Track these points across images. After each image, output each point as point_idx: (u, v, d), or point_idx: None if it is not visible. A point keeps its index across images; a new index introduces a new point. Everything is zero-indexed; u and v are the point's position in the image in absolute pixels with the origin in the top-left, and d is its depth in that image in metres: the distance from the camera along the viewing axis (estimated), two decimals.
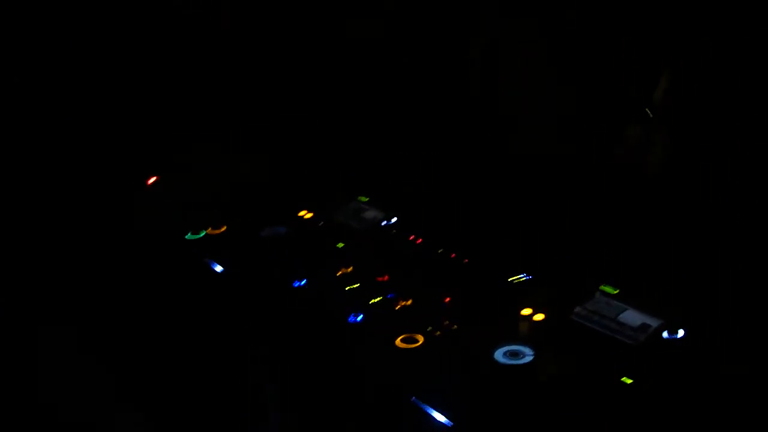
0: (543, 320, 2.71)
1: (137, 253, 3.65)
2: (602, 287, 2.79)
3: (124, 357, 3.56)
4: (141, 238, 3.68)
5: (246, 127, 4.19)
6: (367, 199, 3.60)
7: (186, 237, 3.50)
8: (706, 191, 3.03)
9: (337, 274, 3.08)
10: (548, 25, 3.35)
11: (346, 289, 2.98)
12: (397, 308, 2.85)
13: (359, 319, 2.79)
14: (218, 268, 3.26)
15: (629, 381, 2.39)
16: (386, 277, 3.01)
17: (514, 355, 2.54)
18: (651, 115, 3.08)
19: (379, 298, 2.89)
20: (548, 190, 3.28)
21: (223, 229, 3.54)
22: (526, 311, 2.75)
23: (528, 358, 2.53)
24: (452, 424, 2.37)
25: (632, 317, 2.66)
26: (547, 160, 3.28)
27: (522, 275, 2.96)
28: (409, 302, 2.86)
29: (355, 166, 3.89)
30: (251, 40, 4.28)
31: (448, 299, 2.86)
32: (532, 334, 2.65)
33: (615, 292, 2.76)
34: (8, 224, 3.97)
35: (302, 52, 4.23)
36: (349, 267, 3.11)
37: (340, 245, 3.31)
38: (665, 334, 2.57)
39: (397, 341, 2.65)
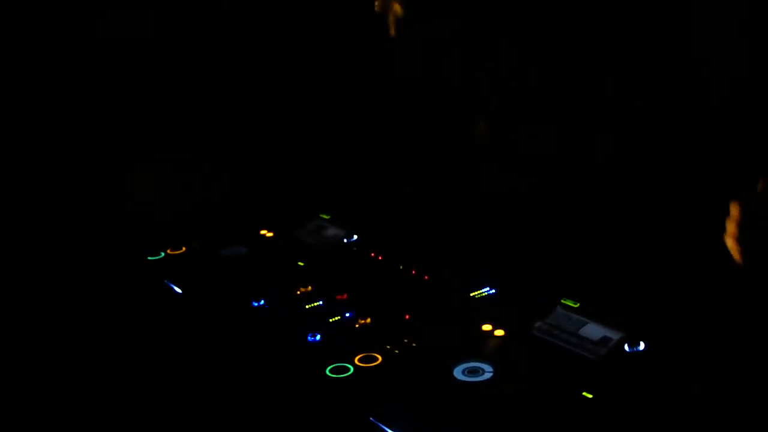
0: (503, 336, 2.68)
1: (97, 272, 3.61)
2: (563, 300, 2.76)
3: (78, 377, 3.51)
4: (101, 256, 3.64)
5: (209, 141, 4.16)
6: (328, 217, 3.57)
7: (148, 258, 3.46)
8: (668, 202, 3.01)
9: (297, 293, 3.04)
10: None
11: (306, 307, 2.94)
12: (356, 327, 2.81)
13: (318, 338, 2.74)
14: (177, 289, 3.21)
15: (590, 396, 2.36)
16: (345, 296, 2.98)
17: (474, 372, 2.51)
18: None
19: (337, 317, 2.85)
20: (509, 203, 3.26)
21: (183, 249, 3.49)
22: (487, 327, 2.72)
23: (487, 375, 2.49)
24: None
25: (593, 331, 2.64)
26: (505, 174, 3.26)
27: (484, 290, 2.93)
28: (368, 320, 2.82)
29: (318, 181, 3.87)
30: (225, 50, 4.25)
31: (408, 316, 2.83)
32: (492, 350, 2.62)
33: (576, 305, 2.74)
34: None
35: (270, 62, 4.21)
36: (308, 286, 3.07)
37: (301, 264, 3.28)
38: (626, 347, 2.54)
39: (356, 360, 2.61)
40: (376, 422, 2.36)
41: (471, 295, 2.91)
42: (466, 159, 3.34)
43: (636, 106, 3.11)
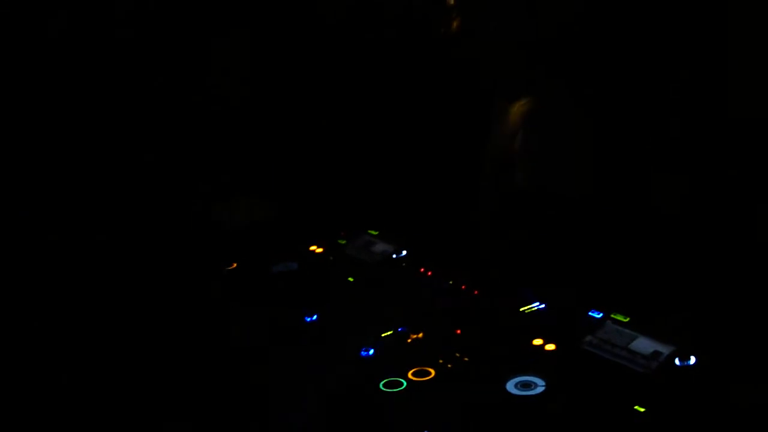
0: (554, 350, 2.71)
1: (152, 286, 3.67)
2: (613, 315, 2.79)
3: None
4: (156, 271, 3.70)
5: (253, 165, 4.23)
6: (377, 233, 3.61)
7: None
8: (719, 214, 3.04)
9: (349, 308, 3.09)
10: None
11: (358, 322, 2.99)
12: (408, 341, 2.85)
13: (371, 353, 2.79)
14: (233, 304, 3.27)
15: (642, 410, 2.39)
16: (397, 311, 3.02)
17: (526, 386, 2.54)
18: None
19: (390, 332, 2.90)
20: (558, 219, 3.29)
21: (234, 265, 3.55)
22: (537, 341, 2.75)
23: (540, 389, 2.52)
24: None
25: (643, 345, 2.66)
26: (557, 189, 3.29)
27: (534, 304, 2.96)
28: (421, 335, 2.86)
29: (366, 199, 3.92)
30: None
31: (459, 331, 2.87)
32: (544, 364, 2.65)
33: (626, 320, 2.76)
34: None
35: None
36: (360, 301, 3.12)
37: (351, 279, 3.32)
38: (677, 362, 2.56)
39: (409, 374, 2.65)
40: None
41: (521, 309, 2.94)
42: (520, 179, 3.37)
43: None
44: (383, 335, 2.89)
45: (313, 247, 3.62)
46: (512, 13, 3.31)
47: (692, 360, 2.56)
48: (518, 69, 3.38)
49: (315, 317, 3.06)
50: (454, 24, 3.40)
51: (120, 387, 3.41)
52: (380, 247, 3.53)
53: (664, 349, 2.62)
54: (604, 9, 3.44)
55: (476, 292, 3.08)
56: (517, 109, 3.39)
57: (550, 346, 2.72)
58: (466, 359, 2.71)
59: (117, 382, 3.43)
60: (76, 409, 3.30)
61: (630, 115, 3.40)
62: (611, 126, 3.42)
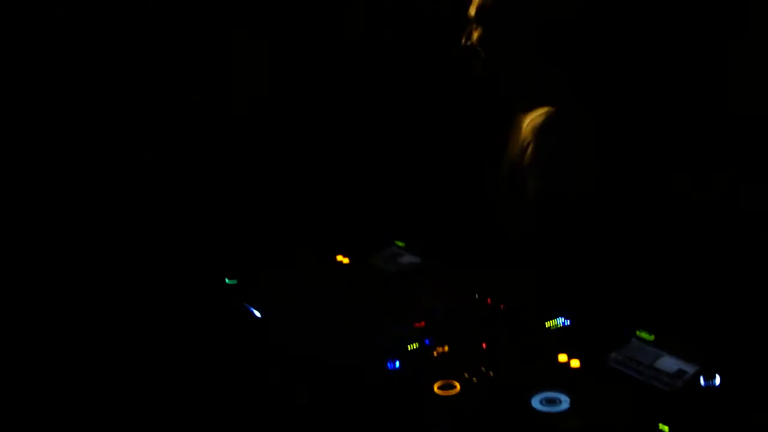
0: (579, 366, 2.72)
1: (175, 294, 3.70)
2: (638, 332, 2.79)
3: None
4: (180, 278, 3.73)
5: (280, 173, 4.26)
6: (403, 245, 3.63)
7: (226, 281, 3.54)
8: (745, 235, 3.04)
9: (375, 320, 3.11)
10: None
11: (384, 334, 3.01)
12: (434, 354, 2.87)
13: (397, 365, 2.81)
14: (257, 313, 3.30)
15: (666, 428, 2.40)
16: (423, 323, 3.04)
17: (551, 402, 2.55)
18: None
19: (416, 345, 2.92)
20: (584, 234, 3.30)
21: (260, 274, 3.58)
22: (562, 357, 2.76)
23: (565, 405, 2.54)
24: None
25: (668, 363, 2.67)
26: (583, 204, 3.30)
27: (559, 320, 2.98)
28: (446, 348, 2.88)
29: (392, 210, 3.94)
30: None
31: (484, 345, 2.88)
32: (569, 380, 2.66)
33: (651, 338, 2.77)
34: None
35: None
36: (386, 313, 3.14)
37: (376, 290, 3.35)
38: (702, 381, 2.57)
39: (435, 388, 2.67)
40: None
41: (546, 325, 2.96)
42: (534, 186, 3.38)
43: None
44: (409, 348, 2.91)
45: (339, 257, 3.64)
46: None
47: (717, 379, 2.56)
48: (526, 69, 3.42)
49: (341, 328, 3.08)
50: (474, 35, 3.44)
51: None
52: (407, 258, 3.55)
53: (690, 368, 2.63)
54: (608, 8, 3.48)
55: (502, 306, 3.10)
56: (529, 114, 3.43)
57: (575, 362, 2.74)
58: (491, 373, 2.73)
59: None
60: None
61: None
62: (630, 130, 3.45)
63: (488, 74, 3.49)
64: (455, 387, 2.68)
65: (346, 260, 3.63)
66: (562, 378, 2.68)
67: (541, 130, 3.34)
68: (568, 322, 2.97)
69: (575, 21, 3.37)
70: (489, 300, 3.15)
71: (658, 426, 2.42)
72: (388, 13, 4.33)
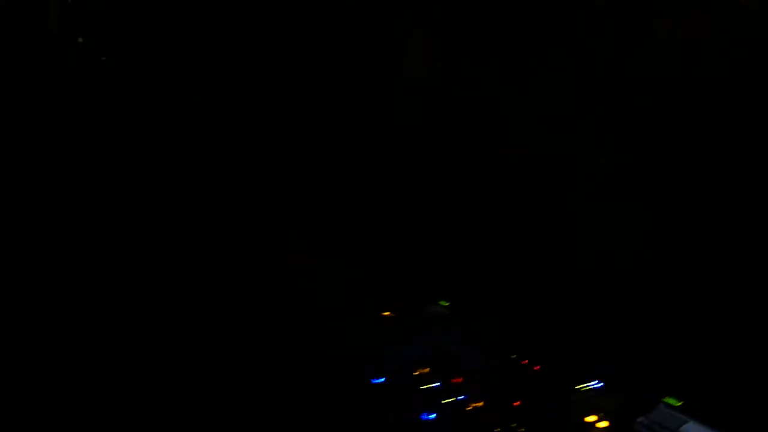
0: (607, 428, 2.82)
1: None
2: (665, 399, 2.89)
3: None
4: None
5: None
6: (447, 304, 3.74)
7: None
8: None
9: (415, 374, 3.23)
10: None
11: (421, 388, 3.13)
12: (468, 409, 2.99)
13: (432, 417, 2.93)
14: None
15: None
16: (461, 379, 3.16)
17: None
18: None
19: (452, 399, 3.04)
20: (617, 301, 3.39)
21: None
22: (591, 418, 2.86)
23: None
24: None
25: (694, 430, 2.75)
26: (614, 273, 3.41)
27: (591, 383, 3.08)
28: (481, 404, 3.00)
29: (436, 271, 4.02)
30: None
31: (518, 403, 3.00)
32: None
33: (678, 404, 2.86)
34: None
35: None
36: (426, 367, 3.26)
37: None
38: None
39: None
40: None
41: (576, 387, 3.06)
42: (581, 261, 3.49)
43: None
44: (444, 401, 3.03)
45: (385, 313, 3.75)
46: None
47: None
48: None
49: (383, 379, 3.20)
50: None
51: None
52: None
53: None
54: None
55: (537, 368, 3.21)
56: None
57: (603, 424, 2.84)
58: (522, 430, 2.84)
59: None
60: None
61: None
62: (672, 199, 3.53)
63: None
64: None
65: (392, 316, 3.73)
66: None
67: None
68: (600, 385, 3.07)
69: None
70: (525, 361, 3.26)
71: None
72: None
